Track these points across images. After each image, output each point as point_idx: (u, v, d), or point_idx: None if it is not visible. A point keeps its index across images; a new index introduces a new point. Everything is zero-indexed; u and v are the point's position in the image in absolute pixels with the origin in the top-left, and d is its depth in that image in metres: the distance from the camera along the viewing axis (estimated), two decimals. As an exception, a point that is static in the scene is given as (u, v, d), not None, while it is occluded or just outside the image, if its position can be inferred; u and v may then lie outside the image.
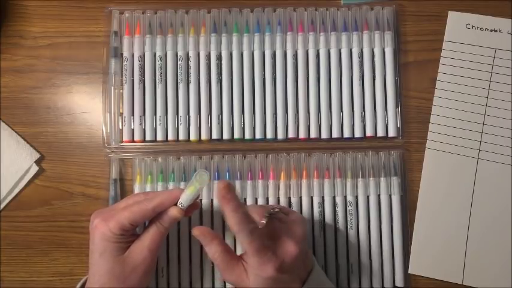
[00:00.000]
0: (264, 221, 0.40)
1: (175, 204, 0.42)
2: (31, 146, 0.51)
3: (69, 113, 0.52)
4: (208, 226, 0.49)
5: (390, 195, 0.50)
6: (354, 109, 0.51)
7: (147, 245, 0.41)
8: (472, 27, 0.53)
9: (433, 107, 0.52)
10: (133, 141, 0.51)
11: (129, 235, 0.41)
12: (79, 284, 0.44)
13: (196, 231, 0.41)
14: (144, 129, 0.51)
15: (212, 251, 0.40)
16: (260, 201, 0.50)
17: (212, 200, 0.50)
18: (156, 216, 0.42)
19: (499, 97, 0.52)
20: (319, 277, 0.43)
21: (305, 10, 0.52)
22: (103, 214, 0.41)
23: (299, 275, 0.41)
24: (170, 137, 0.51)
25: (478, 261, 0.50)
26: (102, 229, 0.40)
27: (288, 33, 0.52)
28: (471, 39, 0.53)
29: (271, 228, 0.40)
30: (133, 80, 0.51)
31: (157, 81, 0.51)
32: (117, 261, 0.41)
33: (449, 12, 0.53)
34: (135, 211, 0.40)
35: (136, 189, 0.50)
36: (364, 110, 0.51)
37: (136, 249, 0.41)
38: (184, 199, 0.42)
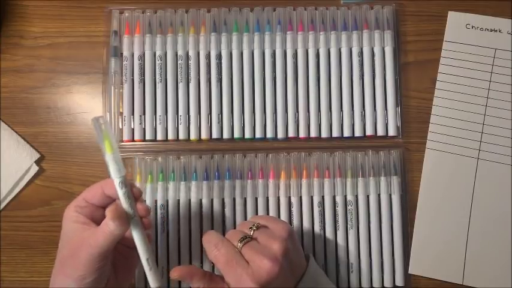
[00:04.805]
0: (240, 245, 0.40)
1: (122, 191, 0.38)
2: (31, 146, 0.51)
3: (69, 113, 0.52)
4: (208, 226, 0.49)
5: (390, 195, 0.50)
6: (354, 108, 0.51)
7: (91, 242, 0.37)
8: (472, 27, 0.53)
9: (433, 107, 0.52)
10: (133, 140, 0.51)
11: (86, 215, 0.40)
12: None
13: (175, 274, 0.41)
14: (144, 129, 0.51)
15: (196, 286, 0.41)
16: (260, 201, 0.50)
17: (212, 200, 0.50)
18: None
19: (499, 97, 0.52)
20: (315, 278, 0.43)
21: (305, 9, 0.52)
22: None
23: (287, 284, 0.41)
24: (170, 137, 0.51)
25: (478, 261, 0.50)
26: (64, 213, 0.40)
27: (288, 32, 0.52)
28: (471, 39, 0.53)
29: (247, 250, 0.40)
30: (133, 79, 0.51)
31: (157, 80, 0.51)
32: (65, 242, 0.39)
33: (449, 12, 0.53)
34: (88, 188, 0.40)
35: (136, 188, 0.50)
36: (364, 109, 0.51)
37: (82, 236, 0.38)
38: (112, 167, 0.37)
